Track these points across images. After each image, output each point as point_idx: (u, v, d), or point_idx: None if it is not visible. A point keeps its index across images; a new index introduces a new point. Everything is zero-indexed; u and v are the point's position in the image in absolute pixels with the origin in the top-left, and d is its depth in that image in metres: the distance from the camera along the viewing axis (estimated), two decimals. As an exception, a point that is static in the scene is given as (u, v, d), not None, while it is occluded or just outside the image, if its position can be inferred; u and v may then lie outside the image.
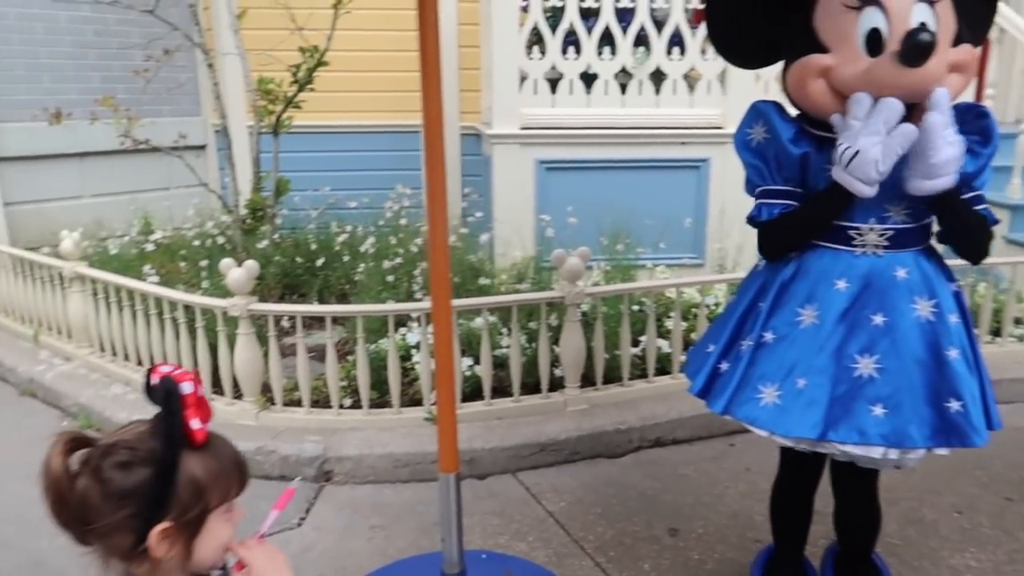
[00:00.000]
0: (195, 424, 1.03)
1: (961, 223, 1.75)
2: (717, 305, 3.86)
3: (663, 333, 3.62)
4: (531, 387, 3.29)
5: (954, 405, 1.69)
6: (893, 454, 1.73)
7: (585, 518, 2.67)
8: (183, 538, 1.04)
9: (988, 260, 4.18)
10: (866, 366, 1.72)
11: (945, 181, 1.62)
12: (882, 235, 1.74)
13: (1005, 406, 3.53)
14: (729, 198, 4.64)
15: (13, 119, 4.88)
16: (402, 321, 3.51)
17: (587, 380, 3.32)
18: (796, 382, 1.74)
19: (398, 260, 4.03)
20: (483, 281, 3.97)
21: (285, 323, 3.77)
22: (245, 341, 3.04)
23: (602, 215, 4.50)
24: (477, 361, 3.21)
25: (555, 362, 3.30)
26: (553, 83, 4.93)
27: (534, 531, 2.60)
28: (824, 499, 2.20)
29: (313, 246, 4.48)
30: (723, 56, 2.00)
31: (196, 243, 4.46)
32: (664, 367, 3.47)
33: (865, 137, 1.60)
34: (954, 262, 1.85)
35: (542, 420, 3.12)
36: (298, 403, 3.13)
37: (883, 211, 1.74)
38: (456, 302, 3.01)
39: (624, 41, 4.83)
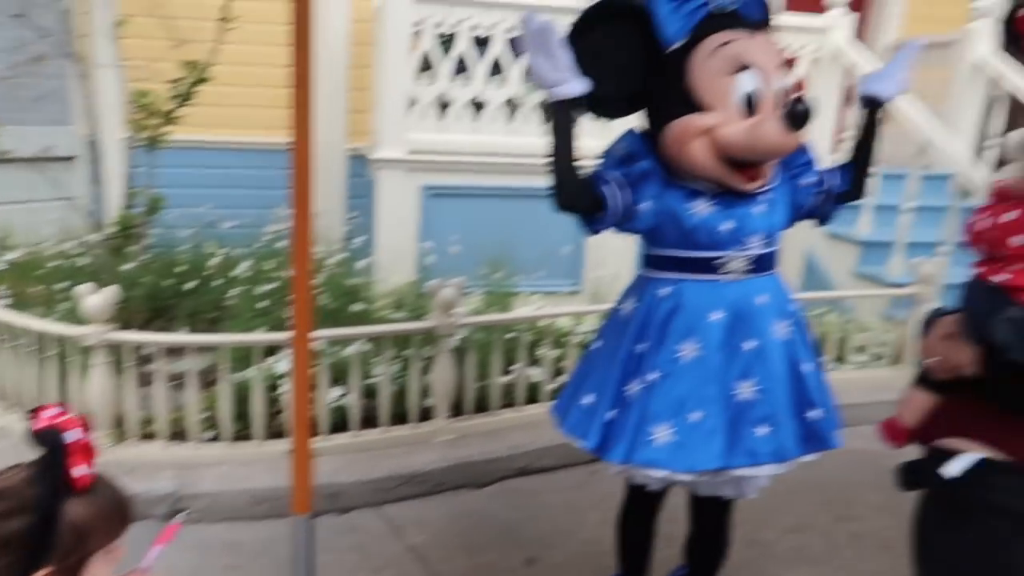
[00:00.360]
0: (79, 471, 1.04)
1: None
2: (593, 331, 3.98)
3: (536, 361, 3.71)
4: (401, 417, 3.31)
5: (814, 413, 1.88)
6: (777, 469, 1.89)
7: (445, 550, 2.72)
8: None
9: (837, 292, 4.49)
10: (745, 390, 1.84)
11: None
12: (744, 261, 1.87)
13: (845, 429, 3.85)
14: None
15: None
16: (272, 349, 3.46)
17: (458, 409, 3.38)
18: (689, 416, 1.81)
19: (273, 285, 3.97)
20: (359, 307, 3.96)
21: (148, 349, 3.65)
22: (100, 372, 2.93)
23: (485, 242, 4.58)
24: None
25: (426, 392, 3.34)
26: (442, 109, 4.98)
27: (392, 566, 2.62)
28: (671, 524, 2.32)
29: (184, 268, 4.34)
30: (590, 110, 1.96)
31: (58, 262, 4.25)
32: (534, 395, 3.56)
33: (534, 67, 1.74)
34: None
35: (409, 451, 3.14)
36: (154, 436, 3.04)
37: (743, 242, 1.86)
38: (323, 332, 3.01)
39: (514, 71, 4.94)
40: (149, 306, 4.03)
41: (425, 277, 4.18)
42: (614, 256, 4.54)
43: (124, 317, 3.82)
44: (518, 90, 4.97)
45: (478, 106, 5.03)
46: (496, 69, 4.97)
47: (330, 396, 3.19)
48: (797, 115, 1.68)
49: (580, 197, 1.84)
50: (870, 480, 3.32)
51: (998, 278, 1.36)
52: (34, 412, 1.06)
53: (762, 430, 1.83)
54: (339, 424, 3.18)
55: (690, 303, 1.86)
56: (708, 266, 1.86)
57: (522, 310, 3.92)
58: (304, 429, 2.10)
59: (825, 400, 1.94)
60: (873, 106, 2.01)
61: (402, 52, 4.76)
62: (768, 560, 2.75)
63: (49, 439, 1.03)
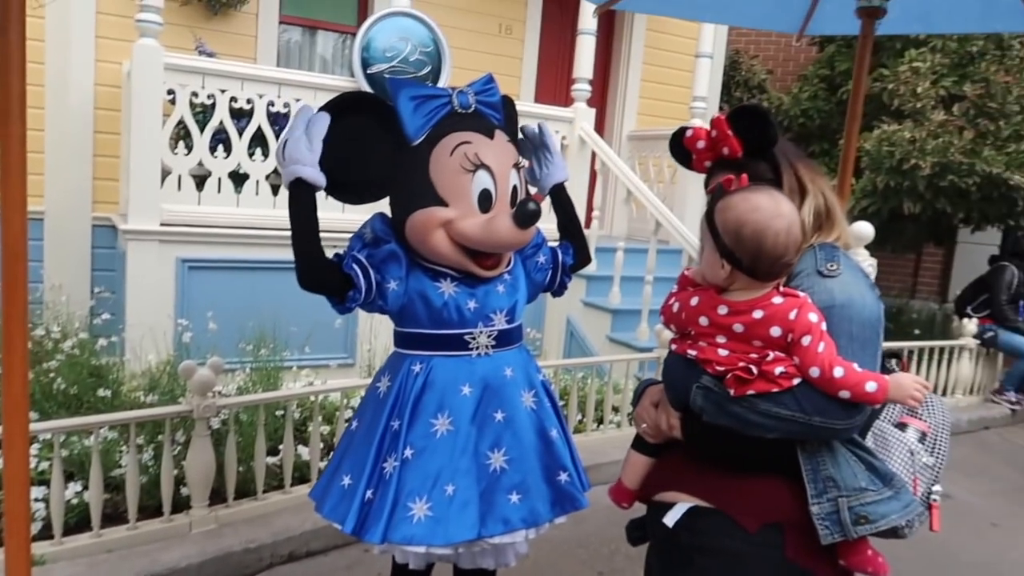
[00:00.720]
0: None
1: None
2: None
3: (304, 439, 3.60)
4: (154, 510, 3.04)
5: (563, 476, 1.99)
6: (531, 534, 1.96)
7: (203, 653, 2.51)
8: None
9: (596, 358, 4.82)
10: (497, 460, 1.92)
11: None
12: (490, 336, 1.97)
13: (603, 486, 4.12)
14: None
15: None
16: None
17: (218, 496, 3.17)
18: (445, 490, 1.85)
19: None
20: (105, 392, 3.62)
21: None
22: None
23: (248, 316, 4.40)
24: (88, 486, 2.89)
25: (182, 480, 3.10)
26: (200, 180, 4.79)
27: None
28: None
29: None
30: (335, 195, 2.00)
31: None
32: (304, 475, 3.44)
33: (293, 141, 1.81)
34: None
35: (162, 547, 2.88)
36: None
37: (486, 317, 1.96)
38: (57, 424, 2.72)
39: (277, 143, 4.88)
40: None
41: (183, 356, 3.93)
42: (386, 326, 4.55)
43: None
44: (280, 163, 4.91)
45: (241, 178, 4.91)
46: (258, 141, 4.90)
47: (66, 493, 2.86)
48: (527, 214, 1.84)
49: (325, 277, 1.88)
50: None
51: (691, 352, 1.59)
52: None
53: (514, 497, 1.92)
54: (80, 523, 2.85)
55: (440, 378, 1.92)
56: (457, 342, 1.94)
57: (289, 388, 3.81)
58: (21, 540, 1.84)
59: (573, 463, 2.07)
60: (557, 189, 2.28)
61: (153, 120, 4.55)
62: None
63: None
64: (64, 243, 5.25)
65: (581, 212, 6.04)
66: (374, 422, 1.96)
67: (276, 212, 4.89)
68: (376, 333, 4.84)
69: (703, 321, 1.58)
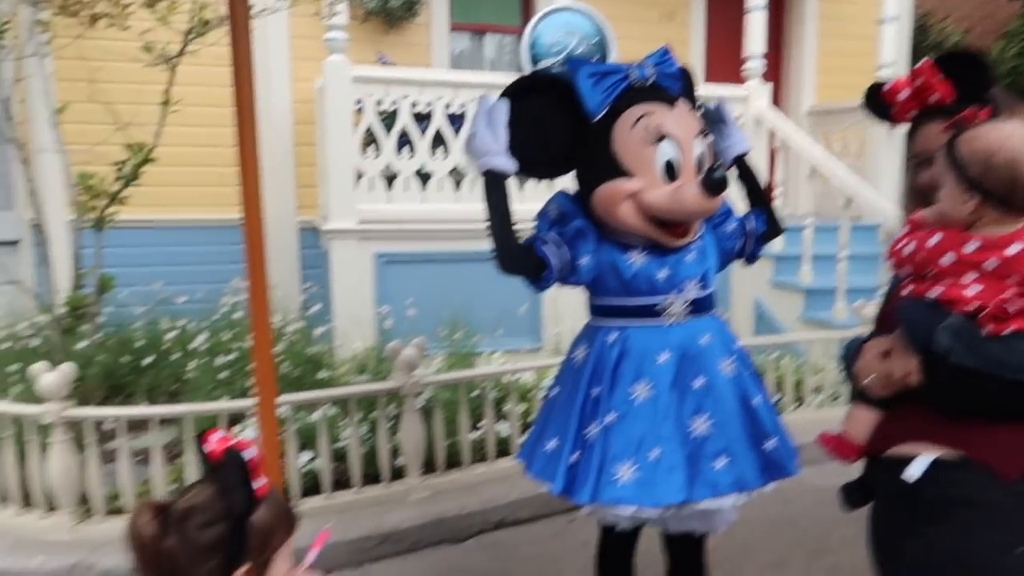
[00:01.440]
0: (259, 482, 1.18)
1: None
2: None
3: (502, 416, 3.74)
4: (373, 478, 3.27)
5: (769, 443, 1.94)
6: (740, 500, 1.92)
7: (429, 607, 2.67)
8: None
9: (789, 337, 4.65)
10: (700, 426, 1.90)
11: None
12: (684, 304, 1.97)
13: (809, 468, 3.93)
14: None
15: None
16: (237, 418, 3.40)
17: (429, 467, 3.36)
18: (649, 454, 1.86)
19: (232, 356, 3.92)
20: (323, 374, 3.94)
21: (109, 425, 3.54)
22: (60, 449, 2.83)
23: (441, 306, 4.63)
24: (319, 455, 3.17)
25: (397, 451, 3.32)
26: (390, 179, 5.09)
27: (377, 625, 2.56)
28: (657, 564, 2.35)
29: (140, 343, 4.26)
30: (525, 175, 2.11)
31: (8, 344, 4.12)
32: (504, 449, 3.57)
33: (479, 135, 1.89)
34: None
35: (384, 510, 3.10)
36: (122, 511, 2.93)
37: (680, 287, 1.96)
38: (289, 397, 2.99)
39: (456, 143, 5.11)
40: (106, 384, 3.93)
41: (384, 341, 4.20)
42: (570, 311, 4.64)
43: (81, 395, 3.72)
44: (460, 161, 5.14)
45: (424, 176, 5.17)
46: (439, 141, 5.14)
47: (300, 461, 3.15)
48: (714, 182, 1.81)
49: (521, 260, 1.94)
50: (840, 515, 3.40)
51: (932, 293, 1.49)
52: (202, 438, 1.19)
53: (720, 462, 1.88)
54: (311, 488, 3.13)
55: (636, 347, 1.94)
56: (650, 311, 1.96)
57: (485, 367, 3.95)
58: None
59: (778, 430, 2.01)
60: (739, 162, 2.19)
61: (345, 129, 4.89)
62: (750, 594, 2.78)
63: (235, 458, 1.16)
64: (276, 245, 5.74)
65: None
66: (574, 389, 1.99)
67: (458, 207, 5.10)
68: (560, 318, 4.92)
69: (947, 259, 1.48)
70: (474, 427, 3.55)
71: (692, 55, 7.03)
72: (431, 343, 4.23)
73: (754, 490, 1.94)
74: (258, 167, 2.02)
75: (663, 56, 2.00)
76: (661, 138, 1.87)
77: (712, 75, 7.09)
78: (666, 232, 1.91)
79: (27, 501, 2.95)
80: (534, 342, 5.19)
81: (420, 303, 4.67)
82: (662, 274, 1.93)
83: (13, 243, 5.36)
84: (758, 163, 5.70)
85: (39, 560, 2.71)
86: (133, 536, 1.12)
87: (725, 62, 7.27)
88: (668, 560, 2.27)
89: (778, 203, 5.64)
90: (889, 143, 6.08)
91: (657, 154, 1.87)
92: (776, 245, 5.54)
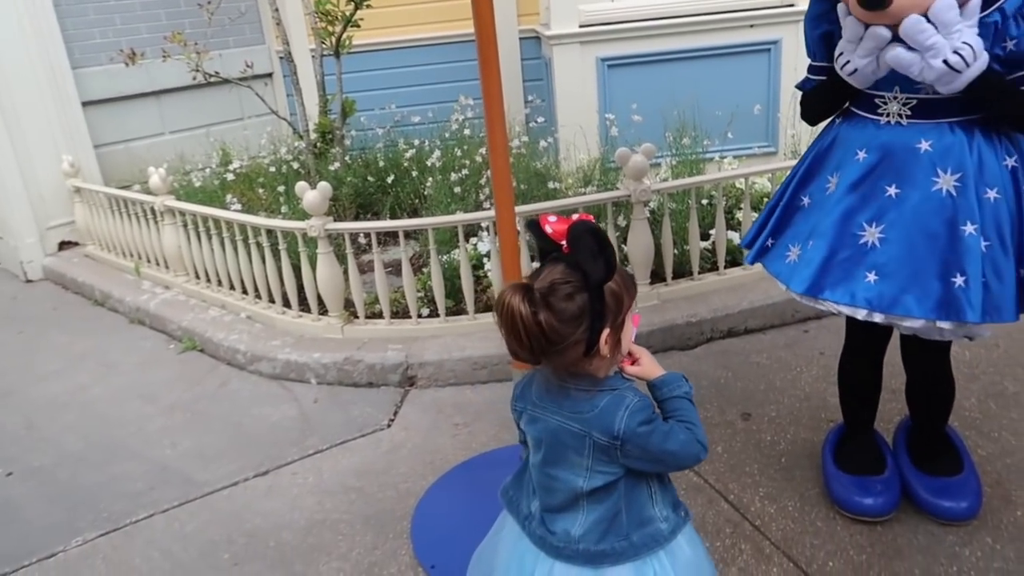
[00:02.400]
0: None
1: (1006, 108, 1.72)
2: (790, 193, 3.77)
3: (733, 225, 3.59)
4: (602, 286, 3.34)
5: (959, 280, 1.70)
6: (877, 317, 1.79)
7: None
8: (616, 336, 1.32)
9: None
10: (871, 235, 1.79)
11: (952, 87, 1.64)
12: (905, 104, 1.76)
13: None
14: (802, 80, 4.45)
15: (92, 64, 5.09)
16: (472, 231, 3.60)
17: (657, 276, 3.36)
18: (808, 243, 1.88)
19: (464, 172, 4.08)
20: (551, 186, 3.99)
21: (362, 240, 3.93)
22: (325, 260, 3.20)
23: (668, 109, 4.40)
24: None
25: (625, 260, 3.34)
26: (611, -25, 4.76)
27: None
28: (899, 376, 2.22)
29: (381, 164, 4.58)
30: None
31: (272, 170, 4.62)
32: (735, 259, 3.45)
33: (859, 58, 1.74)
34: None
35: (613, 317, 3.18)
36: (379, 315, 3.30)
37: (910, 80, 1.70)
38: (521, 208, 3.06)
39: (683, -78, 4.60)
40: (356, 202, 4.31)
41: (610, 151, 4.12)
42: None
43: (336, 213, 4.13)
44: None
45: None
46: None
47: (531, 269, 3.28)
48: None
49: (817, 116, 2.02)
50: None
51: None
52: (535, 225, 1.30)
53: (871, 276, 1.78)
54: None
55: (845, 138, 1.88)
56: (868, 104, 1.83)
57: (715, 173, 3.76)
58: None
59: (980, 268, 1.69)
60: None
61: (566, -82, 4.56)
62: (1012, 411, 2.54)
63: (588, 229, 1.25)
64: (500, 58, 5.73)
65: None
66: (798, 166, 2.03)
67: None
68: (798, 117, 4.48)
69: None
70: (704, 236, 3.45)
71: None
72: (659, 149, 4.10)
73: (914, 318, 1.75)
74: None
75: None
76: None
77: None
78: (870, 14, 1.68)
79: (303, 305, 3.41)
80: (769, 145, 4.82)
81: (646, 108, 4.46)
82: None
83: (268, 75, 5.86)
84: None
85: (317, 355, 3.17)
86: (511, 315, 1.24)
87: None
88: (906, 367, 2.13)
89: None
90: None
91: None
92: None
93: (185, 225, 3.85)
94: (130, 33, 5.20)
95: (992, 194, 1.72)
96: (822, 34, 1.89)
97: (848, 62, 1.76)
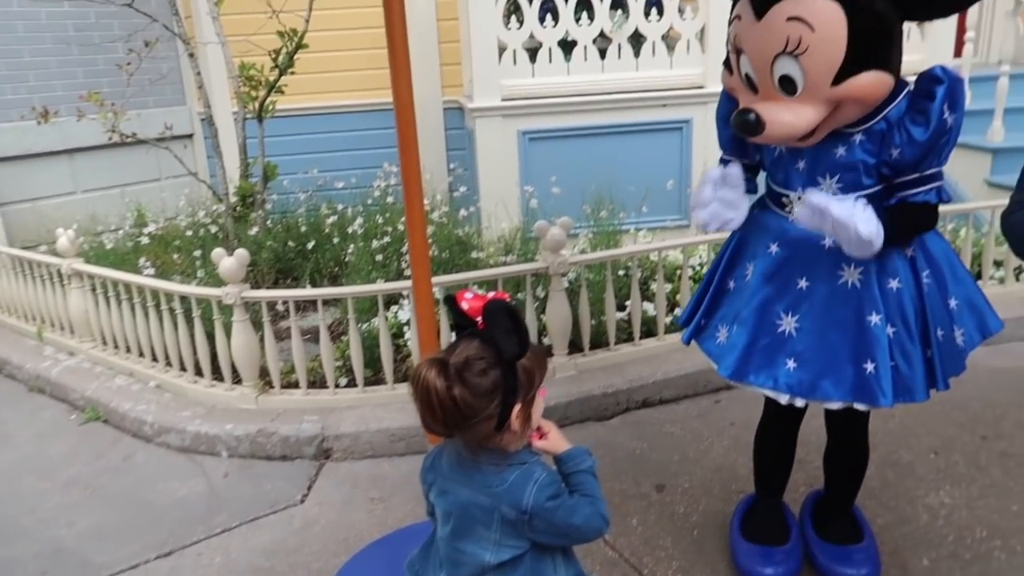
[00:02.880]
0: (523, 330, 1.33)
1: (904, 226, 1.76)
2: (701, 266, 3.93)
3: (648, 296, 3.70)
4: (521, 356, 3.38)
5: (869, 367, 1.80)
6: (799, 403, 1.90)
7: (576, 479, 2.79)
8: (526, 411, 1.37)
9: (970, 204, 4.23)
10: (788, 323, 1.88)
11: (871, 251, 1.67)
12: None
13: (983, 348, 3.64)
14: (712, 157, 4.68)
15: (2, 119, 4.94)
16: (393, 299, 3.60)
17: (575, 346, 3.42)
18: (733, 328, 1.97)
19: (387, 239, 4.10)
20: (473, 255, 4.05)
21: (280, 307, 3.87)
22: (241, 328, 3.13)
23: (586, 182, 4.56)
24: (467, 334, 3.30)
25: (543, 331, 3.39)
26: (532, 52, 4.95)
27: (526, 494, 2.72)
28: (804, 448, 2.32)
29: (303, 229, 4.56)
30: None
31: (189, 233, 4.54)
32: (650, 329, 3.56)
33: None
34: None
35: (532, 388, 3.21)
36: (295, 385, 3.24)
37: (814, 181, 1.82)
38: (440, 278, 3.09)
39: (601, 5, 4.84)
40: (275, 268, 4.26)
41: (530, 221, 4.22)
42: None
43: (254, 278, 4.07)
44: (606, 25, 4.87)
45: (569, 47, 4.97)
46: (584, 5, 4.88)
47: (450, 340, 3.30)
48: (738, 127, 1.68)
49: None
50: (1015, 399, 3.17)
51: None
52: (451, 300, 1.35)
53: (791, 364, 1.87)
54: (462, 366, 3.29)
55: (758, 228, 1.96)
56: (778, 201, 1.92)
57: (630, 246, 3.89)
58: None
59: (884, 355, 1.79)
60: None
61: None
62: (908, 480, 2.67)
63: (504, 307, 1.30)
64: (422, 127, 5.77)
65: (949, 37, 5.17)
66: (716, 259, 2.15)
67: (604, 76, 4.90)
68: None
69: None
70: (620, 307, 3.55)
71: None
72: (576, 221, 4.22)
73: (831, 401, 1.86)
74: (407, 46, 2.01)
75: None
76: (739, 52, 1.72)
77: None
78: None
79: (216, 374, 3.32)
80: (682, 218, 5.03)
81: (565, 180, 4.61)
82: (799, 166, 1.82)
83: (188, 136, 5.80)
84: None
85: (229, 426, 3.08)
86: (426, 389, 1.27)
87: None
88: (828, 438, 2.22)
89: (968, 50, 4.95)
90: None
91: (740, 61, 1.73)
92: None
93: (94, 289, 3.72)
94: (44, 90, 5.08)
95: (894, 284, 1.82)
96: (732, 134, 1.96)
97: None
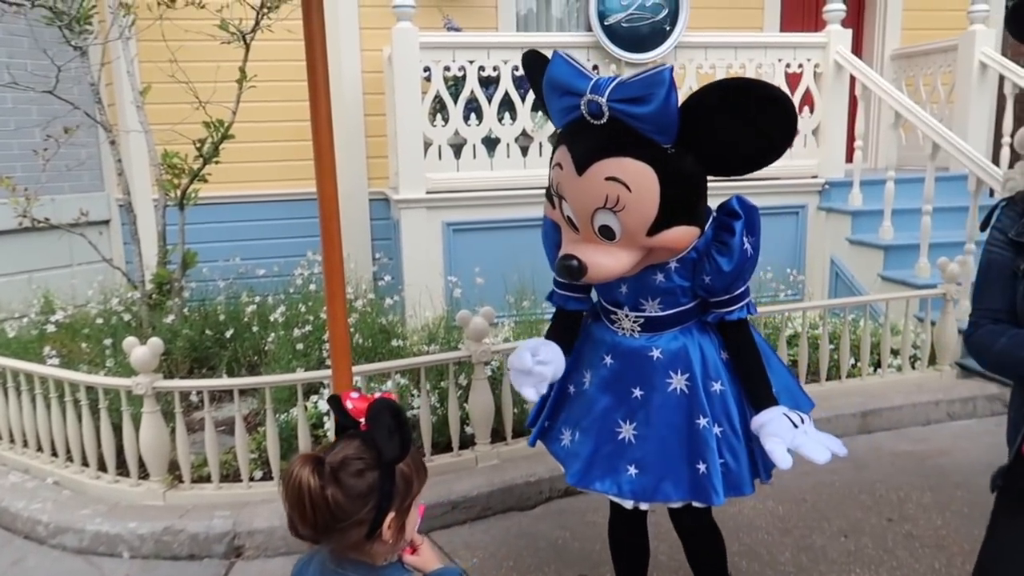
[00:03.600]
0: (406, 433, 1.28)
1: (743, 344, 1.99)
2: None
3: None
4: (443, 446, 3.36)
5: (701, 467, 1.92)
6: (644, 506, 2.00)
7: (497, 572, 2.74)
8: (400, 521, 1.30)
9: (867, 297, 4.47)
10: (627, 431, 1.98)
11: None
12: (635, 321, 1.98)
13: (886, 433, 3.85)
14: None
15: (-97, 201, 4.73)
16: (314, 388, 3.54)
17: (497, 435, 3.42)
18: (576, 435, 2.06)
19: (308, 328, 4.06)
20: (395, 343, 4.04)
21: (193, 398, 3.75)
22: (150, 420, 3.01)
23: (509, 272, 4.66)
24: (388, 424, 3.26)
25: (466, 420, 3.39)
26: (457, 148, 5.11)
27: (447, 589, 2.65)
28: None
29: (221, 317, 4.46)
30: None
31: (100, 321, 4.38)
32: (572, 417, 3.58)
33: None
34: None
35: (454, 478, 3.18)
36: (207, 479, 3.11)
37: (638, 302, 1.95)
38: (362, 367, 3.08)
39: (523, 107, 5.08)
40: (191, 356, 4.14)
41: (454, 310, 4.26)
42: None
43: (168, 368, 3.94)
44: (528, 124, 5.10)
45: (491, 143, 5.16)
46: (507, 105, 5.11)
47: (373, 430, 3.25)
48: (562, 271, 1.79)
49: None
50: (917, 481, 3.32)
51: None
52: (336, 400, 1.30)
53: (632, 470, 1.95)
54: (383, 457, 3.23)
55: (593, 340, 2.08)
56: (609, 317, 2.05)
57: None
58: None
59: (713, 454, 1.92)
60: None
61: (414, 96, 4.91)
62: (821, 564, 2.74)
63: (389, 406, 1.26)
64: (348, 217, 5.87)
65: (841, 144, 5.62)
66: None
67: (527, 172, 5.09)
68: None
69: None
70: (541, 395, 3.58)
71: (769, 2, 6.72)
72: (499, 310, 4.29)
73: (672, 502, 1.97)
74: (332, 140, 2.07)
75: (642, 88, 1.63)
76: (561, 197, 1.84)
77: (789, 23, 6.79)
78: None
79: (121, 469, 3.16)
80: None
81: (488, 271, 4.70)
82: (622, 289, 1.95)
83: (104, 223, 5.67)
84: (838, 116, 5.49)
85: (133, 525, 2.91)
86: (297, 487, 1.21)
87: (803, 8, 6.95)
88: (678, 532, 2.28)
89: (858, 156, 5.39)
90: (981, 86, 5.71)
91: (562, 205, 1.85)
92: (855, 202, 5.32)
93: (-9, 379, 3.53)
94: (-48, 172, 4.91)
95: (717, 386, 1.96)
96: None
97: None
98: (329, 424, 3.28)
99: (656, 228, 1.73)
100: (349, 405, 1.29)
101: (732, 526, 2.95)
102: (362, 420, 1.28)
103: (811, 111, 5.54)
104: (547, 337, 2.13)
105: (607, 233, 1.75)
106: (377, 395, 1.30)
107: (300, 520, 1.24)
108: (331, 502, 1.21)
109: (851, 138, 5.55)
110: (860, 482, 3.34)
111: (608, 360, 2.01)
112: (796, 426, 1.86)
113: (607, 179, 1.69)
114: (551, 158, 1.87)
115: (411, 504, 1.32)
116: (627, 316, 1.97)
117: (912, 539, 2.90)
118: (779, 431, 1.84)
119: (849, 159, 5.66)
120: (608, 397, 2.00)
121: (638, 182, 1.68)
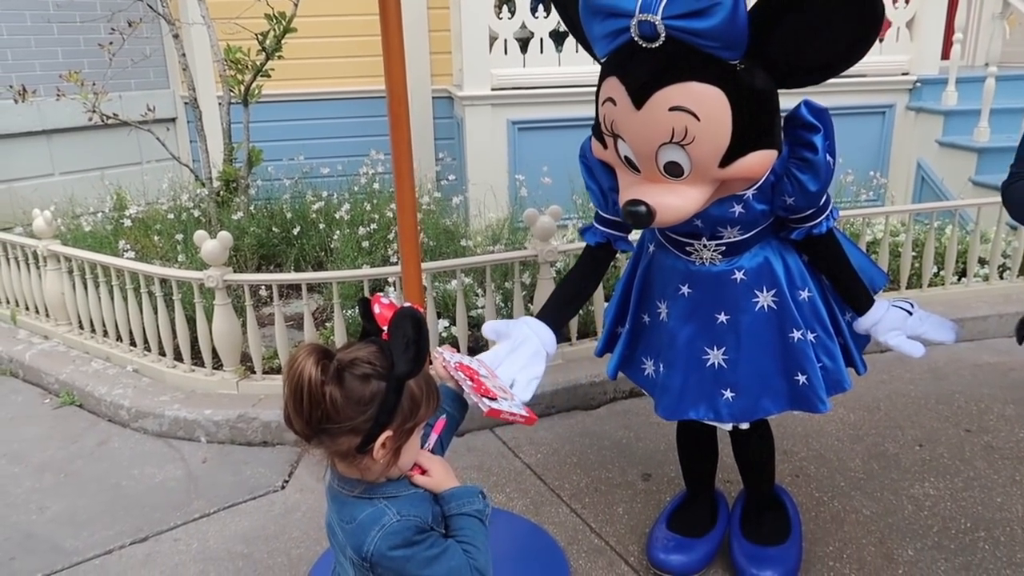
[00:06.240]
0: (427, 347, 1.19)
1: (832, 257, 1.89)
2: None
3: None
4: (507, 345, 3.34)
5: (801, 379, 1.87)
6: (744, 425, 1.98)
7: (561, 468, 2.76)
8: (396, 443, 1.20)
9: (955, 202, 4.23)
10: (715, 357, 1.90)
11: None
12: (716, 250, 1.84)
13: (968, 343, 3.67)
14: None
15: (-22, 98, 4.83)
16: (379, 286, 3.55)
17: (562, 335, 3.38)
18: (660, 367, 1.99)
19: (373, 226, 4.05)
20: (461, 243, 4.01)
21: (263, 293, 3.81)
22: (222, 312, 3.07)
23: (576, 173, 4.52)
24: (454, 322, 3.26)
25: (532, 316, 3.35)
26: (524, 42, 4.91)
27: (512, 482, 2.68)
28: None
29: (288, 215, 4.49)
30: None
31: (171, 217, 4.46)
32: (638, 320, 3.53)
33: None
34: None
35: (518, 376, 3.17)
36: (278, 371, 3.18)
37: (715, 231, 1.80)
38: (428, 265, 3.05)
39: (593, -3, 4.81)
40: (259, 253, 4.20)
41: (519, 210, 4.18)
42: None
43: (237, 264, 4.01)
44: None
45: (561, 37, 4.94)
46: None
47: (438, 328, 3.26)
48: (628, 218, 1.64)
49: None
50: (999, 393, 3.18)
51: None
52: (365, 303, 1.21)
53: (728, 394, 1.89)
54: (448, 354, 3.25)
55: (664, 268, 1.95)
56: (679, 246, 1.89)
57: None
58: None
59: (815, 368, 1.87)
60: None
61: (481, -13, 4.70)
62: (893, 471, 2.67)
63: (408, 317, 1.16)
64: (412, 116, 5.75)
65: (938, 38, 5.19)
66: (624, 278, 2.12)
67: (596, 68, 4.85)
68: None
69: None
70: (608, 297, 3.52)
71: None
72: (566, 212, 4.19)
73: (772, 415, 1.94)
74: (401, 34, 2.00)
75: (696, 3, 1.41)
76: (616, 136, 1.65)
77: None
78: None
79: (196, 359, 3.26)
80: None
81: (555, 171, 4.58)
82: (698, 222, 1.76)
83: (171, 120, 5.70)
84: (936, 3, 5.05)
85: (208, 411, 3.02)
86: (298, 377, 1.12)
87: None
88: (731, 436, 2.20)
89: (955, 51, 4.97)
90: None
91: (618, 146, 1.67)
92: (949, 99, 4.95)
93: (71, 271, 3.64)
94: (23, 69, 4.97)
95: (804, 294, 1.87)
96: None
97: None
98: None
99: (730, 157, 1.56)
100: (376, 310, 1.21)
101: (801, 432, 2.89)
102: (385, 329, 1.19)
103: (906, 1, 5.11)
104: (569, 278, 2.04)
105: (674, 170, 1.59)
106: (406, 304, 1.20)
107: (294, 411, 1.15)
108: (328, 400, 1.12)
109: (949, 31, 5.12)
110: (938, 392, 3.21)
111: (685, 290, 1.89)
112: (910, 313, 1.80)
113: (671, 109, 1.51)
114: (597, 92, 1.69)
115: (412, 428, 1.22)
116: (706, 246, 1.83)
117: (991, 450, 2.79)
118: (895, 323, 1.81)
119: (945, 55, 5.23)
120: (690, 327, 1.90)
121: (707, 109, 1.50)
